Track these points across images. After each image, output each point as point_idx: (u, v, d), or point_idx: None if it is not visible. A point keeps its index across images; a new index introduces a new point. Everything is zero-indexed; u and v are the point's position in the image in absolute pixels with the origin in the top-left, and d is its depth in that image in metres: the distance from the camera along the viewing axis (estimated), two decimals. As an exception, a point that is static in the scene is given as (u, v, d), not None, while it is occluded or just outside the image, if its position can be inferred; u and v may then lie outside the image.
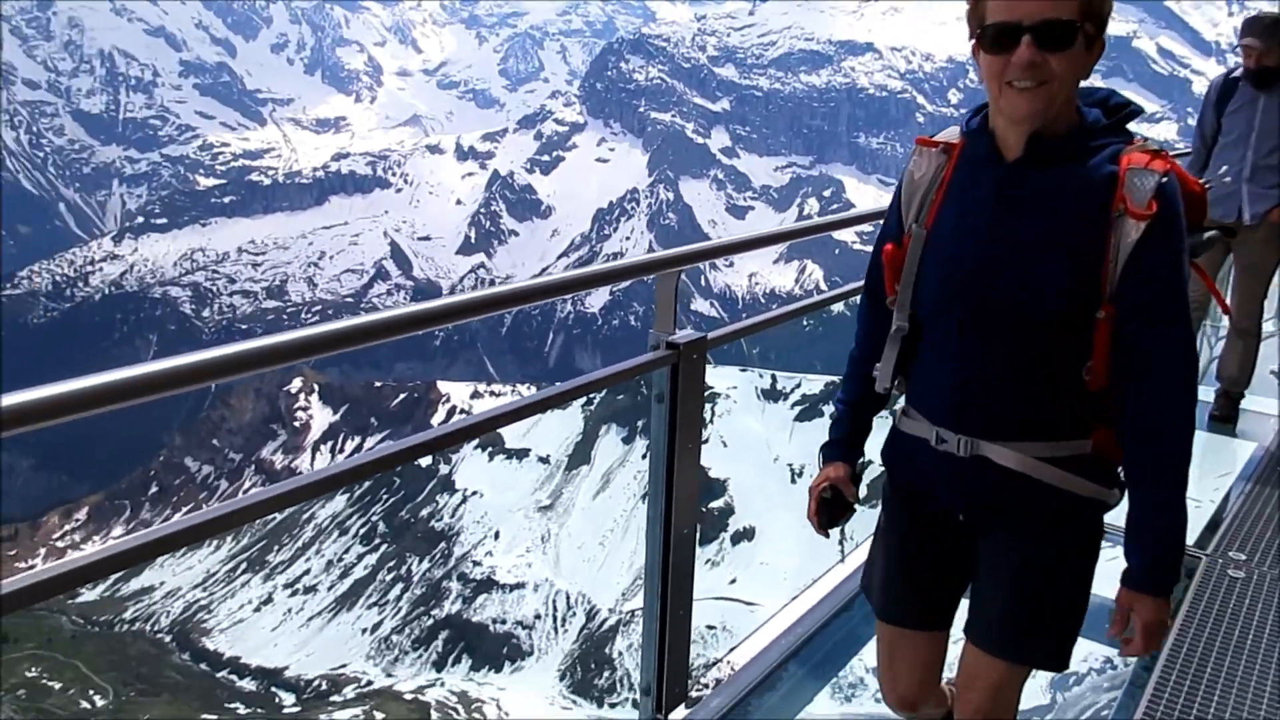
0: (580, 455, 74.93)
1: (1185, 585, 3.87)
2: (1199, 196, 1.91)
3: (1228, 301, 5.86)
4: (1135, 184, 1.74)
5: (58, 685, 49.06)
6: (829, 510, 2.18)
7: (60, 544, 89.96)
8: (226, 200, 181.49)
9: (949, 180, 1.96)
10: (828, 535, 2.23)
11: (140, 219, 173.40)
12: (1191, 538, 4.29)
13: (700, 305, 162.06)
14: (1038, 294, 1.80)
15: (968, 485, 1.99)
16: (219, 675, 59.69)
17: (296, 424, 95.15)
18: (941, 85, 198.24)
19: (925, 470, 2.05)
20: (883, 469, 2.25)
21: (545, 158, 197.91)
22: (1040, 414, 1.90)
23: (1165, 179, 1.75)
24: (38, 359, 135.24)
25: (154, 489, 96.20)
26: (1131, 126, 1.93)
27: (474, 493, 71.21)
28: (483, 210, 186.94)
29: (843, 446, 2.23)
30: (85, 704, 48.08)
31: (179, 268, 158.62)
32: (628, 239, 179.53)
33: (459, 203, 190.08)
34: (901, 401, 2.15)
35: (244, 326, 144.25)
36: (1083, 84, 1.87)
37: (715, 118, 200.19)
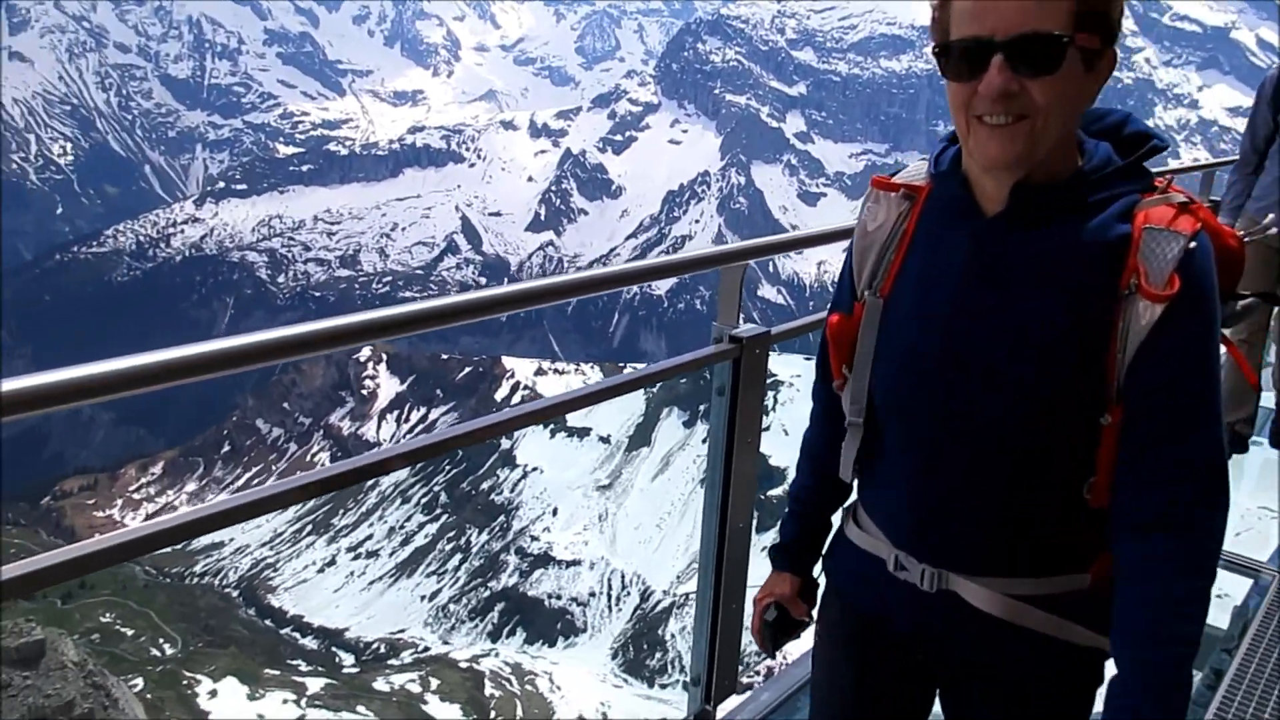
0: (641, 437, 75.50)
1: (1257, 603, 3.77)
2: (1236, 255, 1.46)
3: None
4: (1153, 251, 1.31)
5: (130, 632, 50.99)
6: (773, 633, 1.81)
7: (136, 495, 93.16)
8: (304, 169, 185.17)
9: (911, 235, 1.52)
10: (774, 656, 1.91)
11: (221, 184, 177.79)
12: (1265, 554, 4.17)
13: (767, 291, 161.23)
14: (1022, 392, 1.37)
15: (933, 628, 1.55)
16: (283, 632, 61.49)
17: (364, 392, 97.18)
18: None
19: (880, 598, 1.61)
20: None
21: (618, 137, 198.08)
22: (1027, 543, 1.46)
23: (1194, 244, 1.31)
24: (119, 316, 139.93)
25: (226, 448, 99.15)
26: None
27: (534, 469, 72.15)
28: (553, 188, 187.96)
29: (792, 554, 1.82)
30: (155, 651, 49.93)
31: (256, 233, 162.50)
32: (697, 222, 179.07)
33: (530, 180, 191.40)
34: (854, 494, 1.74)
35: (317, 294, 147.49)
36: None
37: (791, 102, 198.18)
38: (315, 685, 45.62)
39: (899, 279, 1.51)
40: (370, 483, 62.73)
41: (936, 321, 1.43)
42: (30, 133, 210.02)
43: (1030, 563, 1.46)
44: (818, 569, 1.83)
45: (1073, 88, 1.31)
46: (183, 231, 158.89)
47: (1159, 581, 1.32)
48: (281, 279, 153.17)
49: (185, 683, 43.94)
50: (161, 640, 51.09)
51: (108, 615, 51.16)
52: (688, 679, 2.51)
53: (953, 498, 1.46)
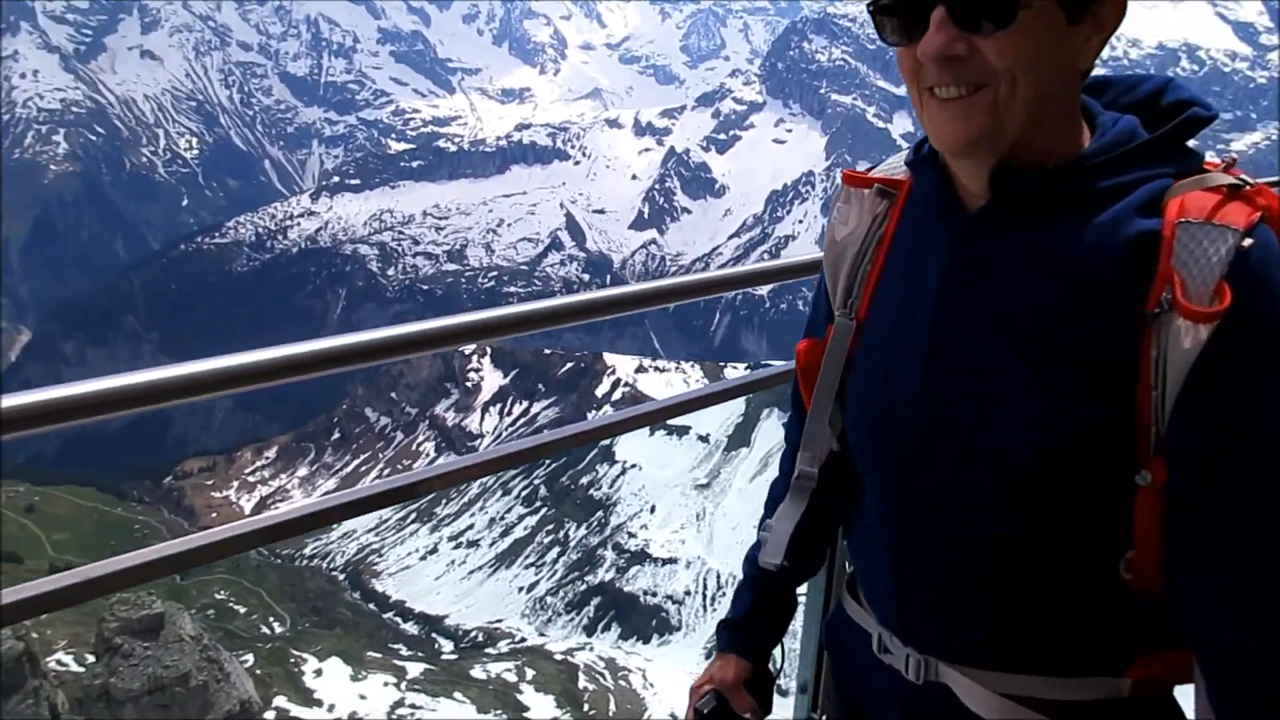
0: (740, 437, 75.32)
1: None
2: None
3: None
4: (1191, 253, 0.98)
5: (242, 609, 53.18)
6: None
7: (251, 478, 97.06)
8: (414, 165, 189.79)
9: (890, 241, 1.24)
10: None
11: (336, 178, 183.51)
12: None
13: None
14: (1018, 444, 1.05)
15: None
16: (385, 616, 63.38)
17: (469, 384, 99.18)
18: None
19: (865, 681, 1.32)
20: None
21: (722, 136, 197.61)
22: (1037, 632, 1.13)
23: (1249, 241, 0.97)
24: (239, 304, 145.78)
25: (336, 435, 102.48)
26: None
27: (633, 465, 72.65)
28: (657, 186, 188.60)
29: (742, 632, 1.47)
30: (265, 629, 51.96)
31: (368, 227, 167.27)
32: (800, 223, 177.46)
33: (634, 178, 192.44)
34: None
35: (425, 287, 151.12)
36: (1124, 73, 1.18)
37: (898, 102, 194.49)
38: (415, 670, 46.82)
39: (876, 296, 1.23)
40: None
41: (912, 350, 1.13)
42: (159, 128, 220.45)
43: (1042, 657, 1.13)
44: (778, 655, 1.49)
45: (1048, 43, 1.01)
46: (299, 224, 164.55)
47: (1265, 631, 0.98)
48: (391, 272, 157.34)
49: (293, 660, 45.52)
50: (271, 619, 53.08)
51: (222, 592, 53.38)
52: (792, 685, 2.47)
53: (938, 570, 1.15)
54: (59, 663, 35.01)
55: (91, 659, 31.22)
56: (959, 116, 1.03)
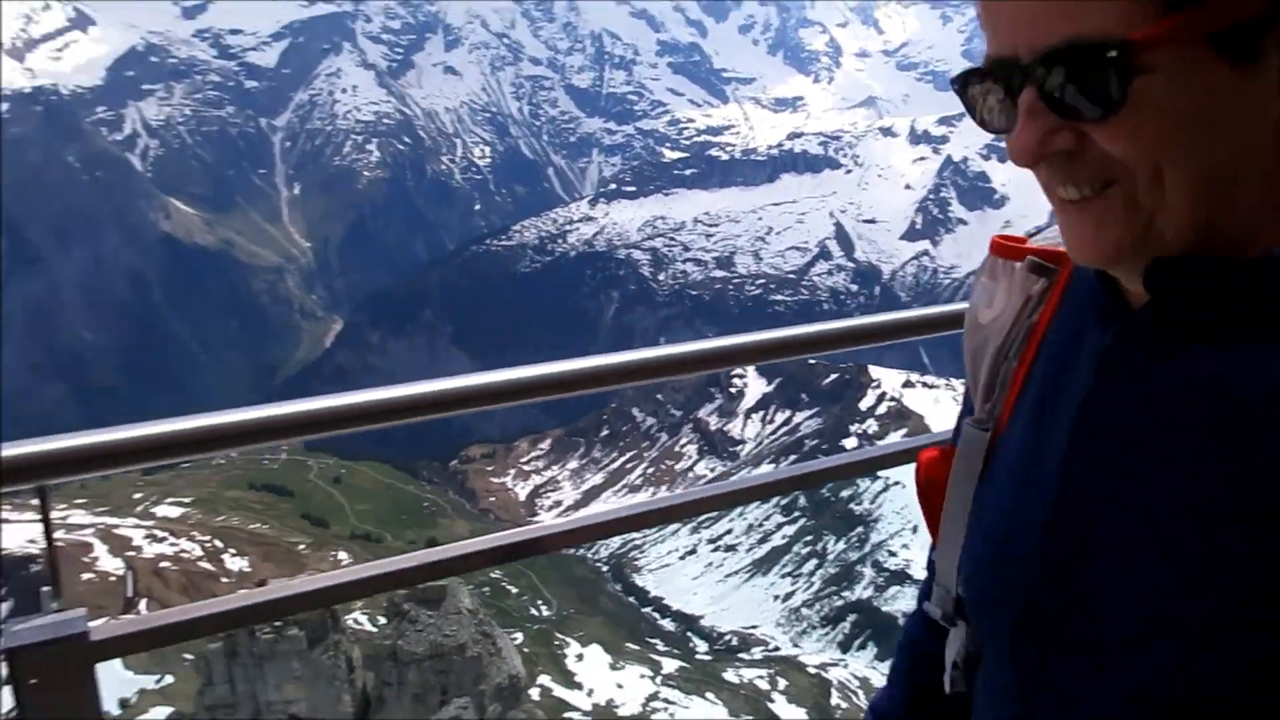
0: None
1: None
2: None
3: None
4: None
5: (514, 590, 56.40)
6: None
7: (526, 468, 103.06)
8: (687, 173, 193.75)
9: (1043, 335, 0.90)
10: None
11: (613, 185, 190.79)
12: None
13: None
14: (1158, 667, 0.70)
15: None
16: (644, 611, 65.27)
17: (733, 390, 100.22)
18: None
19: None
20: None
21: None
22: None
23: None
24: (522, 302, 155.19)
25: (605, 431, 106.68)
26: None
27: (896, 483, 70.38)
28: (931, 196, 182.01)
29: None
30: (534, 610, 54.86)
31: (642, 232, 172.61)
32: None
33: (908, 187, 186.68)
34: None
35: (693, 293, 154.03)
36: None
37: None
38: (670, 666, 47.72)
39: (1018, 405, 0.90)
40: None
41: (1035, 496, 0.82)
42: (458, 138, 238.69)
43: None
44: None
45: (1204, 105, 0.65)
46: (578, 229, 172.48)
47: None
48: (662, 276, 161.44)
49: (557, 643, 47.70)
50: (540, 602, 55.94)
51: (496, 571, 56.83)
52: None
53: None
54: (355, 621, 38.55)
55: (383, 621, 34.23)
56: (1086, 225, 0.72)
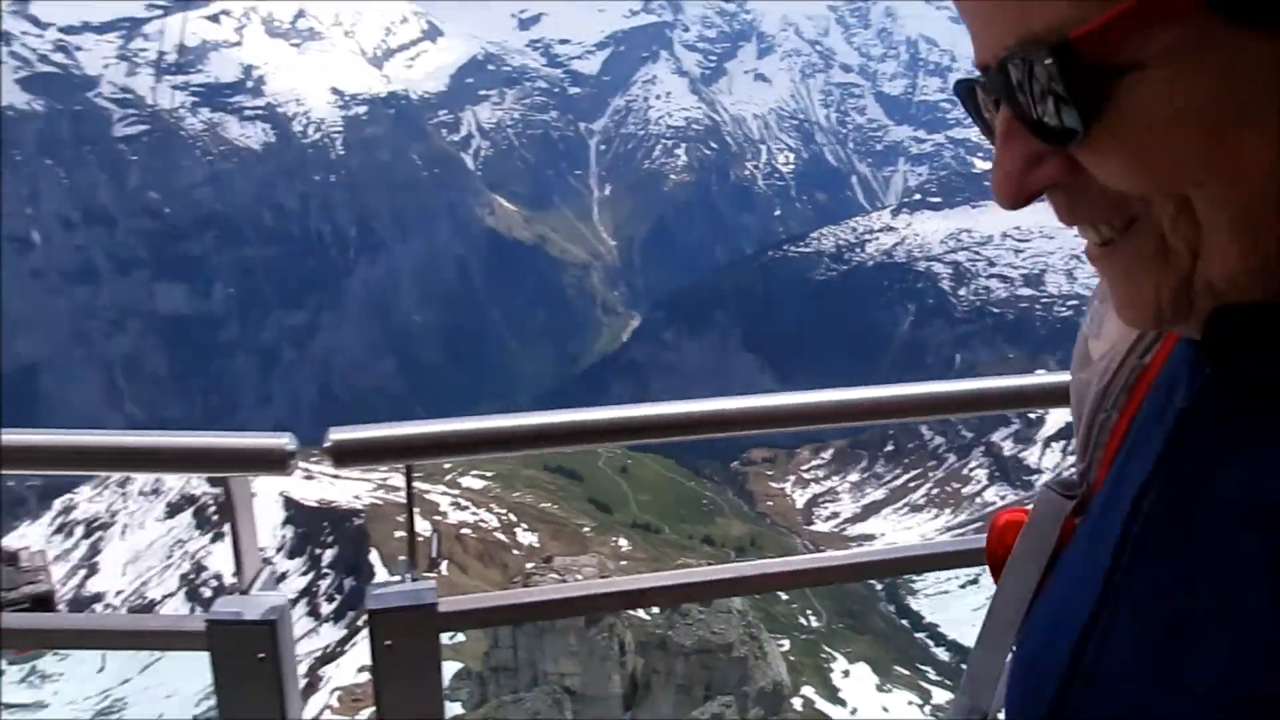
0: None
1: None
2: None
3: None
4: None
5: (785, 597, 56.21)
6: None
7: (806, 475, 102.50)
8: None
9: (1153, 381, 0.68)
10: None
11: (917, 196, 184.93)
12: None
13: None
14: None
15: None
16: (916, 635, 62.90)
17: (1032, 416, 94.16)
18: None
19: None
20: None
21: None
22: None
23: None
24: (815, 310, 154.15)
25: (889, 447, 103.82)
26: None
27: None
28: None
29: None
30: (802, 620, 54.48)
31: (944, 245, 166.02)
32: None
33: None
34: None
35: (995, 310, 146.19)
36: None
37: None
38: (941, 697, 45.57)
39: (1115, 463, 0.68)
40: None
41: (1085, 584, 0.63)
42: (762, 144, 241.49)
43: None
44: None
45: (1231, 109, 0.45)
46: (877, 239, 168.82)
47: None
48: (962, 291, 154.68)
49: (823, 655, 47.06)
50: (809, 612, 55.46)
51: (770, 574, 57.08)
52: None
53: None
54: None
55: (656, 610, 35.34)
56: (1116, 276, 0.55)
